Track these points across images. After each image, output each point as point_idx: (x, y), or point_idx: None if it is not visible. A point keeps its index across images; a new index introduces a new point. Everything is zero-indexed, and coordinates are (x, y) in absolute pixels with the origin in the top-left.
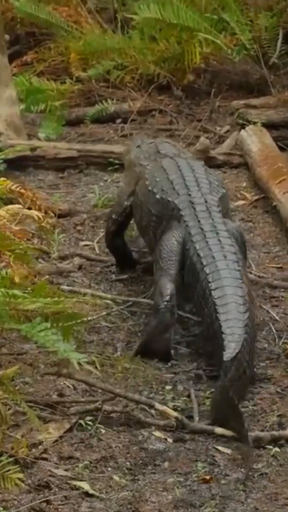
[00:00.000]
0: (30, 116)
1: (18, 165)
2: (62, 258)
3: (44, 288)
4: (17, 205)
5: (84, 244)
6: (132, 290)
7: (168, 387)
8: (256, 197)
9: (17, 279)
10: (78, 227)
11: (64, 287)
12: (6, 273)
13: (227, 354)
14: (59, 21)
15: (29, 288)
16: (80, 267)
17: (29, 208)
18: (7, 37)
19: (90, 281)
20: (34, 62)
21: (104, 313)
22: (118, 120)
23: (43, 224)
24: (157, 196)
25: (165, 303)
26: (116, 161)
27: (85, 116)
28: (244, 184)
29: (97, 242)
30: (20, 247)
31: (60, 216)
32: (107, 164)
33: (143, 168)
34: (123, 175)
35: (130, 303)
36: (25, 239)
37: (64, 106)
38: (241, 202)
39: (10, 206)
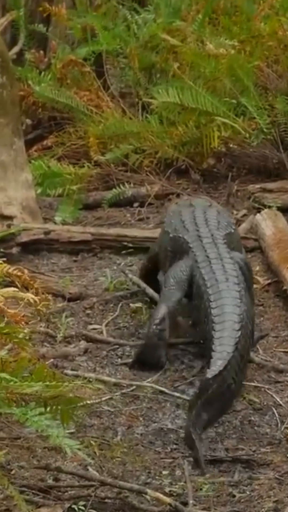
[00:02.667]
0: (48, 200)
1: (32, 248)
2: (68, 341)
3: (42, 371)
4: (12, 288)
5: (92, 328)
6: (137, 374)
7: (165, 472)
8: (269, 281)
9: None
10: (88, 311)
11: (68, 371)
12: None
13: (211, 372)
14: (79, 105)
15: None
16: (85, 351)
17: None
18: (28, 121)
19: (95, 365)
20: (53, 146)
21: (107, 397)
22: (136, 204)
23: (39, 307)
24: (171, 235)
25: (154, 327)
26: (130, 245)
27: (103, 200)
28: (257, 268)
29: (106, 326)
30: (15, 330)
31: (70, 299)
32: (121, 247)
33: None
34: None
35: (134, 387)
36: (23, 323)
37: (82, 190)
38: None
39: (5, 290)
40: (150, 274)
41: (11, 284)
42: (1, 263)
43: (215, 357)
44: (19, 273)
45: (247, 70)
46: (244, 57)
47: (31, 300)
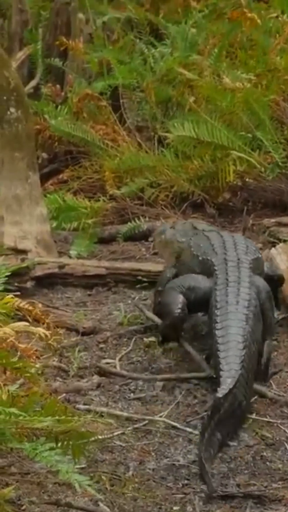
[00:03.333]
0: (63, 233)
1: (47, 282)
2: (81, 376)
3: (53, 406)
4: (23, 323)
5: (106, 362)
6: (150, 409)
7: (176, 508)
8: (283, 315)
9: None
10: (101, 345)
11: (80, 405)
12: (8, 391)
13: (222, 390)
14: (95, 139)
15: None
16: (98, 385)
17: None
18: (44, 155)
19: (108, 399)
20: (69, 180)
21: (119, 432)
22: (151, 238)
23: (50, 341)
24: (200, 258)
25: (177, 312)
26: (145, 279)
27: (118, 234)
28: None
29: (119, 360)
30: (25, 365)
31: (83, 333)
32: (135, 282)
33: (182, 243)
34: (160, 253)
35: (146, 422)
36: (35, 357)
37: (97, 224)
38: None
39: (16, 324)
40: None
41: (23, 318)
42: (12, 297)
43: (223, 376)
44: (30, 307)
45: (263, 104)
46: (260, 91)
47: (42, 335)
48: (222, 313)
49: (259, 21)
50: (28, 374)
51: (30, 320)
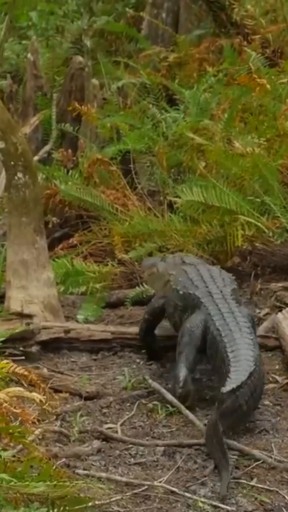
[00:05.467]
0: (71, 298)
1: (52, 347)
2: (82, 440)
3: (49, 471)
4: (18, 388)
5: (107, 427)
6: (150, 474)
7: None
8: (287, 380)
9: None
10: (104, 410)
11: (80, 470)
12: (0, 456)
13: (225, 388)
14: (104, 204)
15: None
16: (99, 450)
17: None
18: (55, 220)
19: (108, 465)
20: (78, 244)
21: (117, 497)
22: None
23: (45, 407)
24: (180, 292)
25: (180, 390)
26: None
27: (126, 298)
28: (277, 367)
29: (121, 425)
30: (19, 430)
31: (87, 398)
32: (141, 346)
33: (170, 275)
34: (151, 285)
35: (145, 487)
36: (35, 422)
37: (105, 288)
38: (271, 386)
39: (11, 389)
40: (151, 327)
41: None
42: (7, 362)
43: (229, 380)
44: (25, 372)
45: (272, 169)
46: (269, 156)
47: (37, 400)
48: (229, 339)
49: (268, 86)
50: (24, 440)
51: (26, 385)
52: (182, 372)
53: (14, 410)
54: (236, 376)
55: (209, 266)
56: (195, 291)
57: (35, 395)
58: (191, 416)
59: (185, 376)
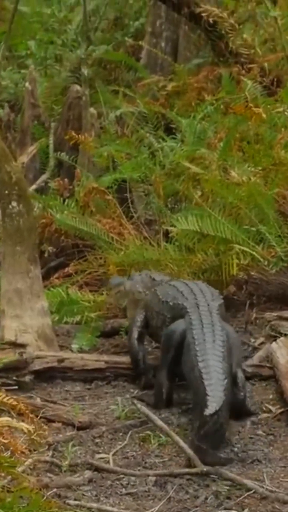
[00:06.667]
0: (65, 327)
1: (46, 376)
2: (73, 470)
3: (38, 502)
4: (6, 418)
5: (99, 457)
6: (141, 504)
7: None
8: (281, 410)
9: None
10: (96, 439)
11: (71, 501)
12: None
13: (208, 411)
14: (100, 233)
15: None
16: (90, 480)
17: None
18: (51, 249)
19: (99, 495)
20: (73, 274)
21: None
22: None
23: (33, 437)
24: (170, 304)
25: (164, 392)
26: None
27: (121, 327)
28: (270, 397)
29: (113, 455)
30: (7, 461)
31: (79, 428)
32: (135, 375)
33: (146, 292)
34: (117, 303)
35: None
36: (19, 452)
37: (100, 318)
38: (264, 415)
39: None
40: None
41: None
42: None
43: (209, 400)
44: (14, 402)
45: (267, 197)
46: (264, 185)
47: (25, 430)
48: (201, 348)
49: (264, 115)
50: (13, 470)
51: (15, 415)
52: (164, 381)
53: (3, 440)
54: (213, 394)
55: (196, 281)
56: (184, 301)
57: (23, 425)
58: (181, 443)
59: (167, 385)
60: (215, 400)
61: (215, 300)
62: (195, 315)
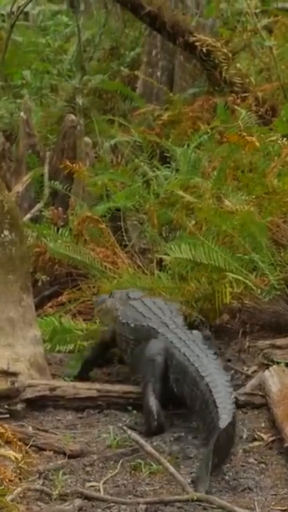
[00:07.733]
0: (58, 356)
1: (38, 405)
2: (63, 499)
3: None
4: None
5: (90, 485)
6: None
7: None
8: (272, 438)
9: None
10: (87, 468)
11: None
12: None
13: (222, 423)
14: (94, 261)
15: None
16: (80, 509)
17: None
18: (44, 278)
19: None
20: (66, 302)
21: None
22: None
23: (21, 465)
24: (132, 325)
25: (155, 423)
26: (137, 402)
27: (113, 356)
28: (262, 425)
29: (104, 483)
30: None
31: (70, 456)
32: (127, 404)
33: (117, 310)
34: (101, 320)
35: None
36: (7, 481)
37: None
38: (256, 443)
39: None
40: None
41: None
42: None
43: (221, 412)
44: (1, 430)
45: (261, 226)
46: (257, 213)
47: (13, 458)
48: (200, 364)
49: (257, 144)
50: (1, 499)
51: (3, 443)
52: (154, 405)
53: None
54: (224, 406)
55: (154, 299)
56: (149, 322)
57: (11, 453)
58: (172, 469)
59: (158, 408)
60: (225, 412)
61: (177, 316)
62: (171, 334)
